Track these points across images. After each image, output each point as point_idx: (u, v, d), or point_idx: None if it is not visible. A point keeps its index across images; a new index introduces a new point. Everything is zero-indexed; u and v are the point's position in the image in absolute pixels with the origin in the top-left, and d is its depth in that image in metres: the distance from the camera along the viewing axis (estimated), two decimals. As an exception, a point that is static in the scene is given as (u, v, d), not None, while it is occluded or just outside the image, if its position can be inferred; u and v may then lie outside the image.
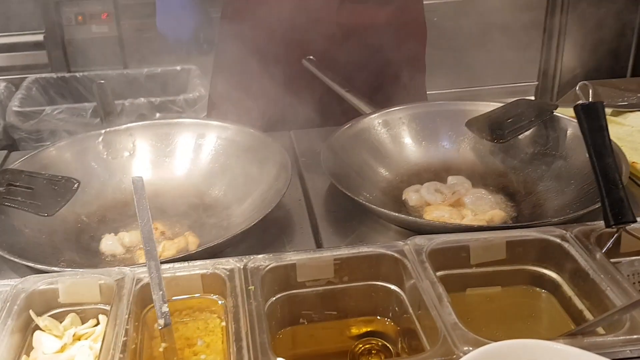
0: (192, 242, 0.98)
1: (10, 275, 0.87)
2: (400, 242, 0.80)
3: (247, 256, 0.79)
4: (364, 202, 0.94)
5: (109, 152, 1.13)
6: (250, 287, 0.73)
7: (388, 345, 0.79)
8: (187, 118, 1.17)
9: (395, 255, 0.78)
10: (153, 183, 1.10)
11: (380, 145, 1.17)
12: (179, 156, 1.13)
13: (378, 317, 0.81)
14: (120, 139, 1.14)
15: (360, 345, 0.79)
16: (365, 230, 0.98)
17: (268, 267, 0.76)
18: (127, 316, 0.68)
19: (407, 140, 1.19)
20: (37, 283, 0.73)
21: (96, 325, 0.74)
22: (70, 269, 0.77)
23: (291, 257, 0.78)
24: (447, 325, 0.66)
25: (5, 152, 1.21)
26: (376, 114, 1.18)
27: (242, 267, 0.76)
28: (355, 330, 0.81)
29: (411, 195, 1.09)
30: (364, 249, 0.79)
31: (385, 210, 0.92)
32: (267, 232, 0.96)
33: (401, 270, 0.78)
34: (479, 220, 1.00)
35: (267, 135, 1.09)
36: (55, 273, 0.74)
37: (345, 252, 0.79)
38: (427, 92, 1.48)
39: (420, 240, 0.80)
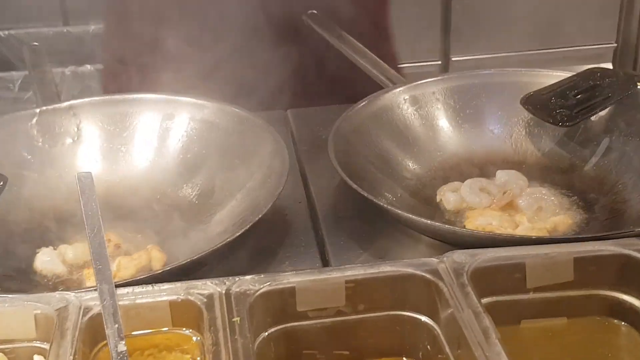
0: (156, 259, 0.99)
1: None
2: (434, 258, 0.81)
3: (230, 278, 0.80)
4: (385, 205, 0.95)
5: (45, 138, 1.15)
6: (235, 319, 0.74)
7: (417, 395, 0.80)
8: (150, 93, 1.17)
9: (427, 276, 0.79)
10: (105, 180, 1.12)
11: (406, 130, 1.18)
12: (139, 144, 1.15)
13: (404, 359, 0.81)
14: (60, 121, 1.15)
15: (379, 398, 0.80)
16: (387, 243, 0.99)
17: (259, 292, 0.77)
18: (72, 357, 0.69)
19: (443, 122, 1.20)
20: (-50, 312, 0.74)
21: (30, 368, 0.75)
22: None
23: (289, 278, 0.79)
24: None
25: None
26: (401, 88, 1.20)
27: (223, 291, 0.78)
28: (371, 377, 0.82)
29: (448, 197, 1.10)
30: (386, 268, 0.80)
31: (413, 216, 0.93)
32: (256, 246, 0.97)
33: (435, 296, 0.79)
34: (537, 229, 1.01)
35: (256, 116, 1.10)
36: (-24, 300, 0.75)
37: (360, 272, 0.80)
38: (459, 58, 1.48)
39: (460, 256, 0.81)
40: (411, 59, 2.33)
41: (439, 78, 1.23)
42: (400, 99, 1.19)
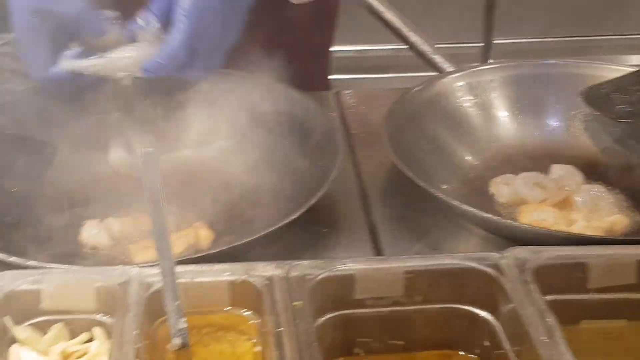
0: (204, 237, 1.02)
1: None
2: (495, 253, 0.84)
3: (288, 262, 0.83)
4: (443, 197, 0.98)
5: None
6: (295, 303, 0.78)
7: (472, 390, 0.83)
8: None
9: (489, 271, 0.82)
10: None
11: (461, 117, 1.21)
12: (187, 116, 1.18)
13: (460, 353, 0.84)
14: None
15: (434, 390, 0.84)
16: (441, 234, 1.02)
17: (318, 278, 0.81)
18: (136, 331, 0.73)
19: (499, 111, 1.23)
20: (15, 282, 0.78)
21: (89, 340, 0.79)
22: (57, 265, 0.82)
23: (349, 265, 0.82)
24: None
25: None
26: (458, 74, 1.22)
27: (283, 275, 0.81)
28: (425, 368, 0.86)
29: (501, 189, 1.13)
30: (446, 261, 0.83)
31: (472, 209, 0.96)
32: (305, 228, 0.99)
33: (496, 291, 0.81)
34: (593, 228, 1.03)
35: (308, 97, 1.13)
36: (38, 270, 0.79)
37: (421, 263, 0.83)
38: (501, 41, 1.48)
39: (522, 252, 0.84)
40: (451, 39, 2.34)
41: (496, 65, 1.25)
42: (456, 85, 1.22)
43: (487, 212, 1.03)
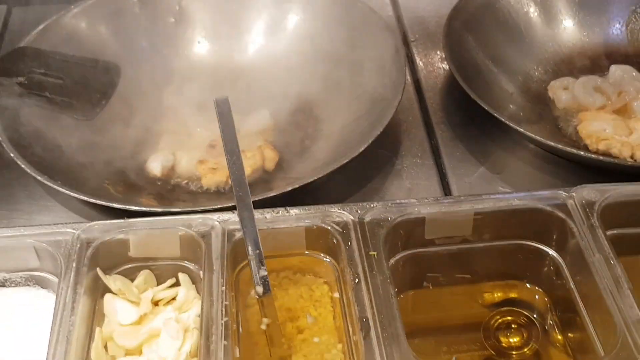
0: (269, 159, 1.04)
1: (47, 202, 0.97)
2: (562, 192, 0.85)
3: (360, 204, 0.85)
4: (505, 121, 0.98)
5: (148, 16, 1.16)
6: (372, 253, 0.80)
7: (534, 318, 0.88)
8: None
9: (556, 212, 0.84)
10: (207, 64, 1.15)
11: (518, 18, 1.19)
12: (249, 30, 1.16)
13: (526, 284, 0.88)
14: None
15: (498, 317, 0.88)
16: (503, 155, 1.03)
17: (391, 224, 0.83)
18: (224, 288, 0.77)
19: (557, 9, 1.20)
20: (104, 233, 0.81)
21: (174, 285, 0.83)
22: (145, 208, 0.85)
23: (419, 209, 0.84)
24: (628, 321, 0.74)
25: (5, 7, 1.25)
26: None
27: (357, 220, 0.83)
28: (490, 297, 0.90)
29: (560, 94, 1.12)
30: (515, 202, 0.85)
31: (537, 137, 0.96)
32: (373, 155, 0.99)
33: (563, 233, 0.84)
34: None
35: (371, 9, 1.11)
36: (124, 221, 0.82)
37: (489, 205, 0.85)
38: None
39: (589, 193, 0.85)
40: None
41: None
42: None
43: (544, 120, 1.05)
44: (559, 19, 1.20)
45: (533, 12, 1.19)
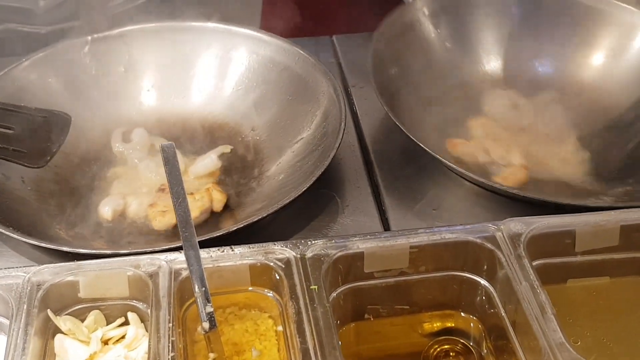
0: (217, 200, 1.07)
1: None
2: (491, 225, 0.90)
3: (302, 241, 0.88)
4: (434, 154, 1.01)
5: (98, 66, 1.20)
6: (312, 287, 0.83)
7: (470, 346, 0.91)
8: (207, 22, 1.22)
9: (486, 244, 0.88)
10: (157, 111, 1.19)
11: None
12: (197, 76, 1.20)
13: (461, 313, 0.92)
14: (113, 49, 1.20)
15: (436, 346, 0.92)
16: (439, 191, 1.08)
17: (332, 259, 0.86)
18: (170, 325, 0.79)
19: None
20: (54, 275, 0.83)
21: (124, 324, 0.85)
22: (95, 251, 0.88)
23: (358, 244, 0.88)
24: (552, 344, 0.77)
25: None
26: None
27: (299, 256, 0.86)
28: (429, 327, 0.93)
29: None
30: (447, 235, 0.89)
31: (466, 172, 1.01)
32: (315, 192, 1.02)
33: (492, 262, 0.88)
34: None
35: (312, 57, 1.15)
36: (74, 263, 0.84)
37: (424, 239, 0.89)
38: None
39: (516, 225, 0.89)
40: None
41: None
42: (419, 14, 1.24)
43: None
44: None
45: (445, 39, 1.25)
